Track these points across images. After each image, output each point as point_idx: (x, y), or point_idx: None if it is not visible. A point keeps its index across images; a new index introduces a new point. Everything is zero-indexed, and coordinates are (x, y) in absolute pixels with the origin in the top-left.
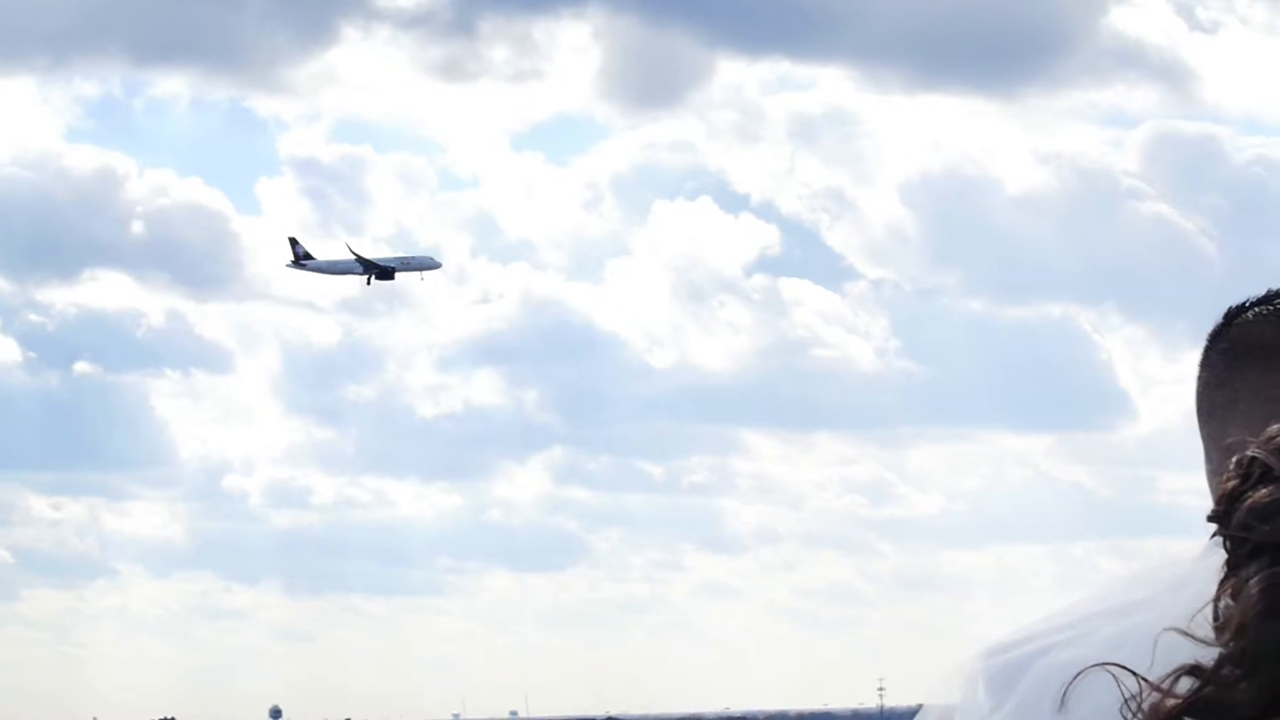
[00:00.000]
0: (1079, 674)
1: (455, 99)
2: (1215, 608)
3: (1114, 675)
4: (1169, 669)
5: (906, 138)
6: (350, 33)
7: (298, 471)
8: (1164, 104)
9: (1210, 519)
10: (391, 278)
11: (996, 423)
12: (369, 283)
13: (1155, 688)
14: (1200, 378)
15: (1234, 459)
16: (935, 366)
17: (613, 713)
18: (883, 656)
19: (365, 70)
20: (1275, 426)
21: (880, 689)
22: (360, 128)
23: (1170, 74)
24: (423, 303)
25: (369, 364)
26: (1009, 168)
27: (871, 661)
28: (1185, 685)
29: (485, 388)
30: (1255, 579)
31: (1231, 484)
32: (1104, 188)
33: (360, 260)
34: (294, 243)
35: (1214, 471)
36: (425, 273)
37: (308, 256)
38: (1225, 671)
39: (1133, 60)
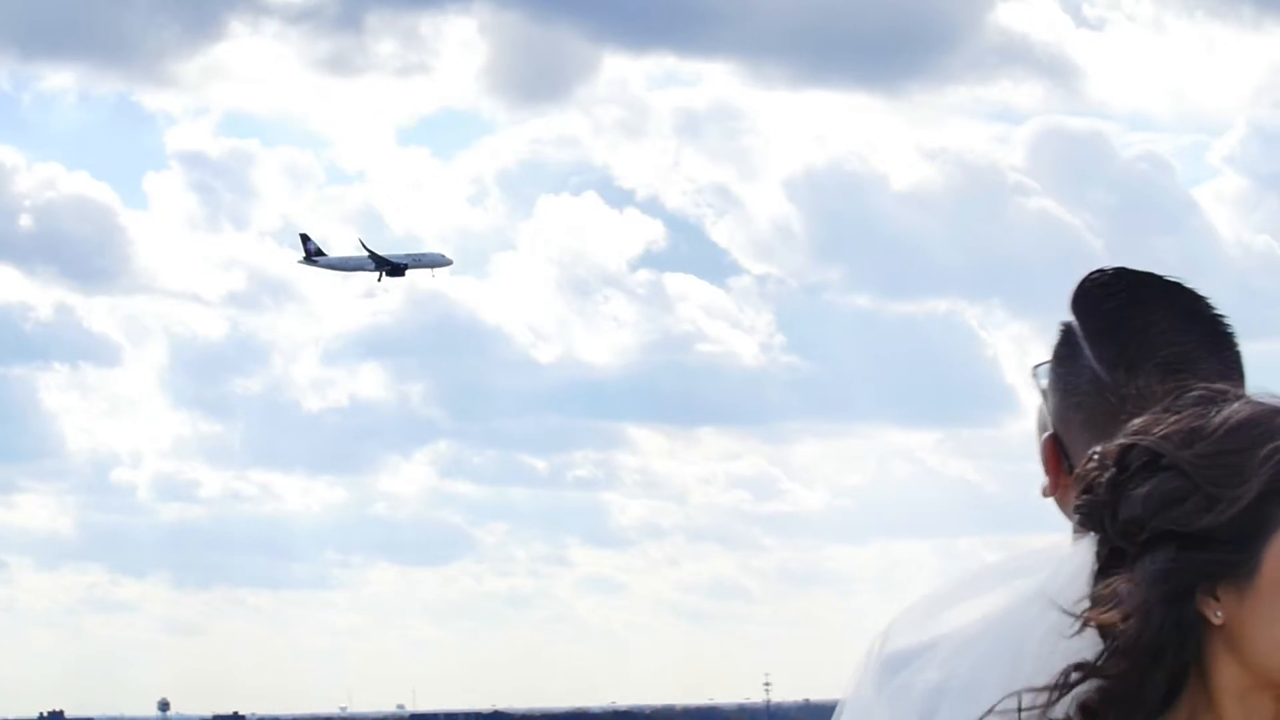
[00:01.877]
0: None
1: (342, 93)
2: (1098, 598)
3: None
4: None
5: (791, 133)
6: (238, 27)
7: (185, 465)
8: (1050, 100)
9: (1083, 509)
10: (403, 274)
11: (882, 418)
12: (380, 279)
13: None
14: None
15: (1097, 450)
16: (820, 362)
17: (499, 707)
18: (768, 651)
19: (252, 64)
20: (1140, 421)
21: (766, 684)
22: (247, 122)
23: (1057, 70)
24: (308, 297)
25: (255, 358)
26: (894, 163)
27: (757, 656)
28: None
29: (371, 381)
30: (1160, 569)
31: (1110, 473)
32: (990, 183)
33: (373, 256)
34: (305, 239)
35: None
36: (436, 269)
37: (319, 253)
38: (1126, 665)
39: (1019, 56)
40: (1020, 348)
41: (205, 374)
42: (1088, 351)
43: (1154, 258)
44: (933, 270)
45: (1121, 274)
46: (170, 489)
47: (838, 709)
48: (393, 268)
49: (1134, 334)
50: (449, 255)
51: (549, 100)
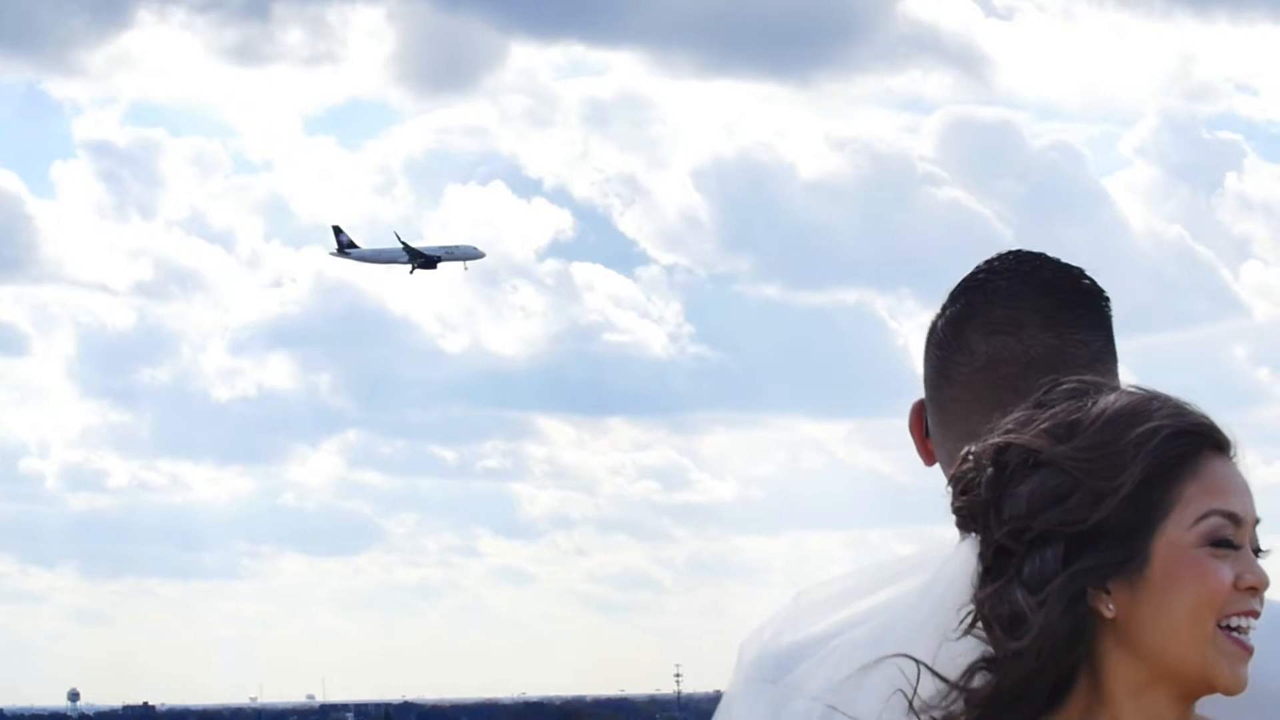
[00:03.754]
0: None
1: (249, 83)
2: (989, 601)
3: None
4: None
5: (699, 123)
6: (145, 16)
7: (93, 454)
8: (960, 90)
9: (962, 510)
10: (435, 267)
11: (792, 409)
12: (412, 271)
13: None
14: (944, 390)
15: (971, 450)
16: (729, 352)
17: (409, 697)
18: (679, 642)
19: (160, 53)
20: (1012, 418)
21: (677, 675)
22: (154, 111)
23: (966, 59)
24: (216, 286)
25: (163, 347)
26: (803, 153)
27: (668, 647)
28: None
29: (279, 371)
30: (1052, 577)
31: (989, 472)
32: (899, 173)
33: (407, 249)
34: (338, 231)
35: None
36: (469, 262)
37: (351, 245)
38: (1020, 668)
39: (928, 46)
40: None
41: (113, 364)
42: (942, 312)
43: (1064, 248)
44: (842, 260)
45: (1019, 252)
46: (79, 479)
47: (723, 704)
48: (425, 260)
49: (978, 294)
50: (481, 249)
51: (456, 90)
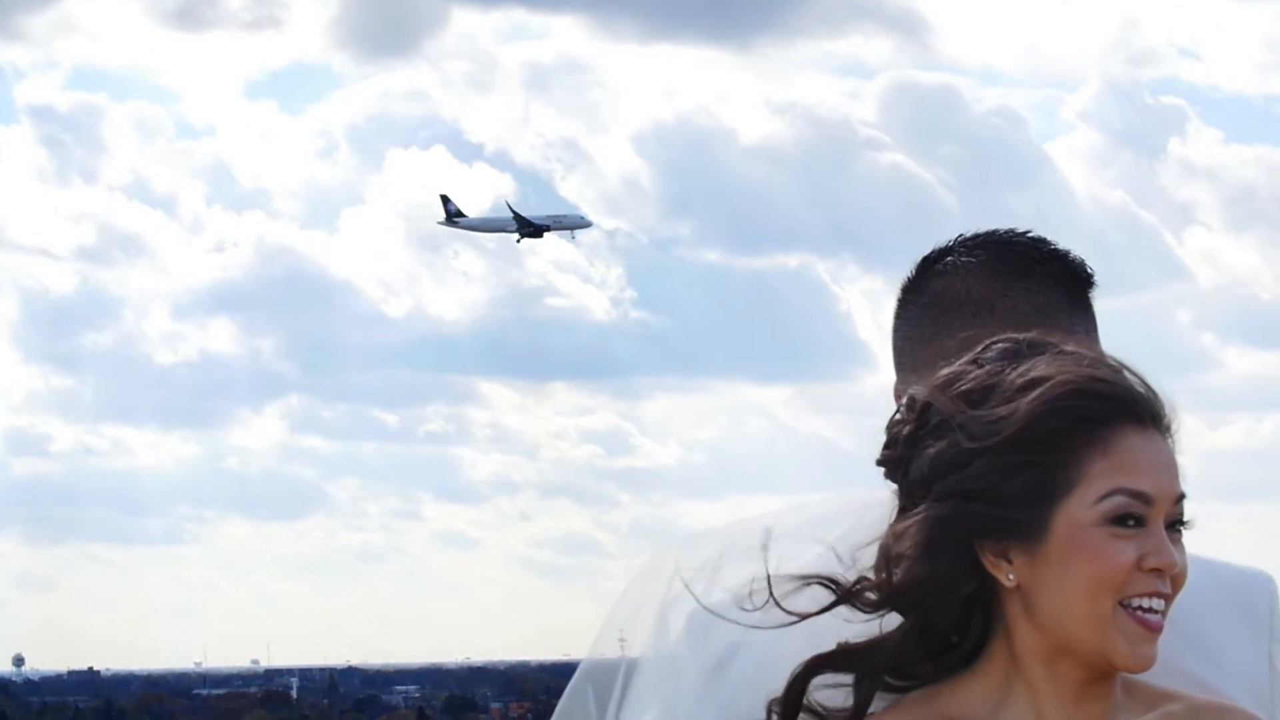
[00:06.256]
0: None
1: (191, 47)
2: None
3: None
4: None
5: (640, 87)
6: None
7: (36, 419)
8: (901, 54)
9: (882, 463)
10: (541, 235)
11: (734, 373)
12: (519, 240)
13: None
14: (899, 331)
15: (904, 402)
16: (671, 317)
17: (353, 662)
18: None
19: (102, 18)
20: (947, 370)
21: (621, 640)
22: (96, 76)
23: (908, 24)
24: (158, 251)
25: (106, 312)
26: (744, 118)
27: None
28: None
29: (221, 336)
30: (937, 515)
31: (909, 428)
32: (841, 138)
33: (516, 217)
34: (445, 200)
35: None
36: (577, 231)
37: (459, 214)
38: (906, 595)
39: (869, 10)
40: (872, 303)
41: (56, 328)
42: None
43: (1008, 213)
44: (784, 225)
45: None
46: (22, 443)
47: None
48: (533, 229)
49: (952, 247)
50: (589, 218)
51: (398, 54)
